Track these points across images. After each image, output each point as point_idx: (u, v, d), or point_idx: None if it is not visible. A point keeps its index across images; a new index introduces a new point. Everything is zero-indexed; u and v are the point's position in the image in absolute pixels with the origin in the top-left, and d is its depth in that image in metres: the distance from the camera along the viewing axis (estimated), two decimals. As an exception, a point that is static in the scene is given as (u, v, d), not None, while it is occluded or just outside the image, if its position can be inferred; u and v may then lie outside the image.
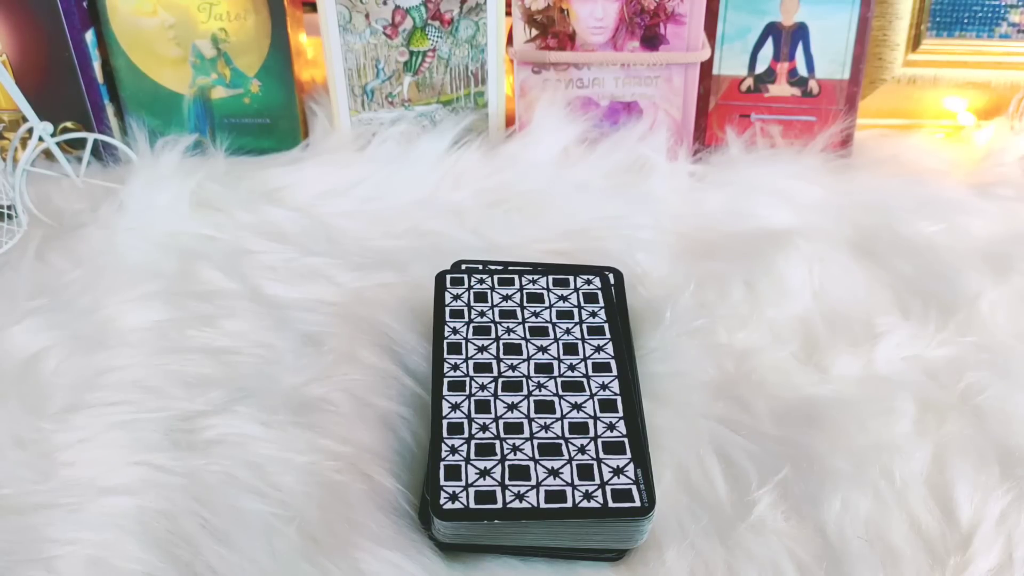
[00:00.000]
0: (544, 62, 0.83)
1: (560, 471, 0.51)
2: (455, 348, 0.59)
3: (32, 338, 0.63)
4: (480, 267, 0.67)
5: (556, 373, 0.58)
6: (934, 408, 0.59)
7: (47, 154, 0.78)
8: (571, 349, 0.59)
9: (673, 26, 0.81)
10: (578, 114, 0.84)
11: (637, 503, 0.50)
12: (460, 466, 0.52)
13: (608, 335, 0.61)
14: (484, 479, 0.51)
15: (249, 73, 0.83)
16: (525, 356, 0.59)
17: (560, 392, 0.56)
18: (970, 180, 0.83)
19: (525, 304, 0.63)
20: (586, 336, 0.61)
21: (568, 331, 0.61)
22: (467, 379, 0.57)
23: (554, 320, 0.62)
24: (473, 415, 0.55)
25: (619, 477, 0.51)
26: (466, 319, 0.61)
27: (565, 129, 0.83)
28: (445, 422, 0.54)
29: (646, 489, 0.51)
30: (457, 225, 0.76)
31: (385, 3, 0.80)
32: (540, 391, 0.56)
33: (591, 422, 0.54)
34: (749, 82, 0.85)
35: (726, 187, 0.80)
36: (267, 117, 0.85)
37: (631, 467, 0.52)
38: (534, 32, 0.82)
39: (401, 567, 0.50)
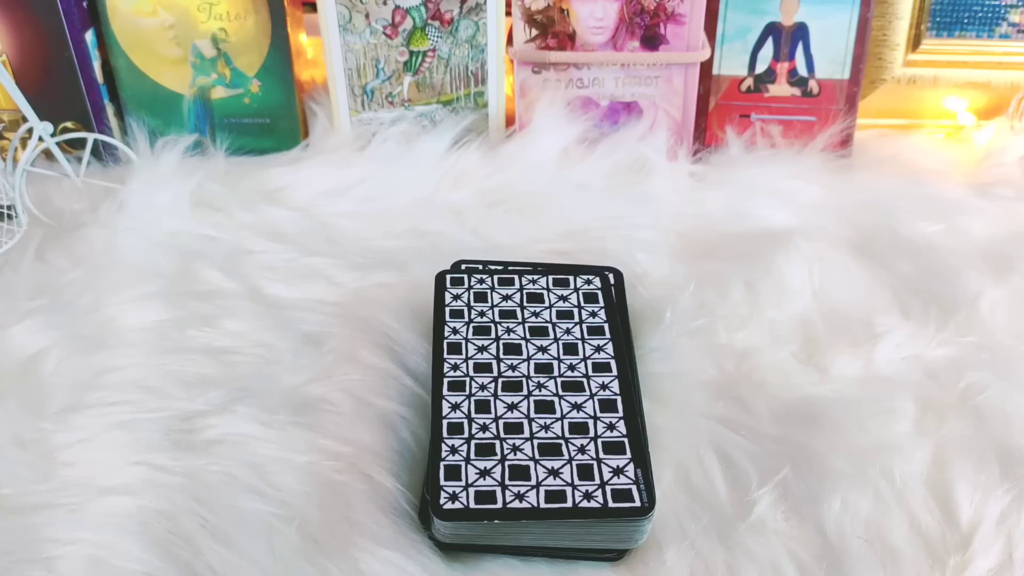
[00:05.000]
0: (544, 62, 0.83)
1: (560, 471, 0.51)
2: (455, 348, 0.59)
3: (32, 338, 0.63)
4: (480, 267, 0.67)
5: (556, 373, 0.58)
6: (934, 408, 0.59)
7: (47, 154, 0.78)
8: (571, 349, 0.59)
9: (673, 26, 0.81)
10: (578, 114, 0.84)
11: (637, 503, 0.50)
12: (460, 466, 0.52)
13: (608, 335, 0.61)
14: (484, 479, 0.51)
15: (249, 73, 0.83)
16: (525, 356, 0.59)
17: (560, 392, 0.56)
18: (970, 180, 0.83)
19: (525, 304, 0.63)
20: (586, 336, 0.61)
21: (568, 331, 0.61)
22: (467, 379, 0.57)
23: (554, 320, 0.62)
24: (473, 415, 0.55)
25: (619, 477, 0.51)
26: (466, 319, 0.61)
27: (565, 129, 0.83)
28: (445, 422, 0.54)
29: (646, 489, 0.51)
30: (457, 225, 0.76)
31: (385, 3, 0.80)
32: (540, 391, 0.56)
33: (591, 422, 0.54)
34: (749, 82, 0.85)
35: (726, 187, 0.80)
36: (267, 117, 0.85)
37: (631, 467, 0.52)
38: (534, 32, 0.82)
39: (401, 567, 0.50)
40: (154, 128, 0.83)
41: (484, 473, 0.51)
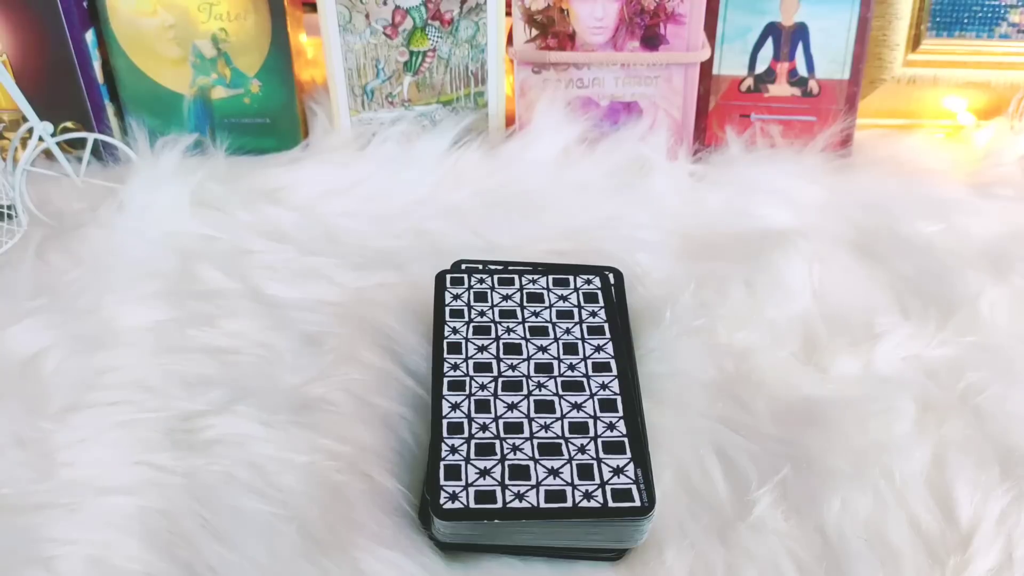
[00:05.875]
0: (544, 62, 0.83)
1: (560, 471, 0.51)
2: (455, 348, 0.59)
3: (32, 338, 0.63)
4: (480, 267, 0.67)
5: (556, 373, 0.58)
6: (934, 408, 0.60)
7: (47, 154, 0.78)
8: (571, 349, 0.59)
9: (673, 26, 0.81)
10: (578, 114, 0.84)
11: (637, 503, 0.50)
12: (460, 466, 0.52)
13: (608, 335, 0.61)
14: (484, 479, 0.51)
15: (249, 73, 0.83)
16: (525, 356, 0.59)
17: (560, 392, 0.56)
18: (970, 180, 0.83)
19: (525, 304, 0.63)
20: (586, 336, 0.61)
21: (568, 331, 0.61)
22: (467, 379, 0.57)
23: (554, 320, 0.62)
24: (473, 415, 0.55)
25: (619, 477, 0.51)
26: (466, 319, 0.61)
27: (565, 129, 0.83)
28: (445, 422, 0.54)
29: (646, 489, 0.51)
30: (457, 225, 0.76)
31: (385, 3, 0.80)
32: (540, 391, 0.56)
33: (591, 422, 0.54)
34: (749, 82, 0.85)
35: (726, 187, 0.80)
36: (267, 117, 0.85)
37: (631, 467, 0.52)
38: (534, 32, 0.82)
39: (401, 567, 0.50)
40: (154, 128, 0.83)
41: (484, 473, 0.51)
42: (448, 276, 0.65)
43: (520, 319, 0.62)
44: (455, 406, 0.55)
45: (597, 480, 0.51)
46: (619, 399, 0.56)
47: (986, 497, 0.54)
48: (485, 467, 0.52)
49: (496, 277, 0.65)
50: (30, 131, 0.76)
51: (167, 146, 0.80)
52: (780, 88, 0.84)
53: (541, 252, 0.73)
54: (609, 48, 0.82)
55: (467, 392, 0.56)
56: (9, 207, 0.75)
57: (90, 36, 0.80)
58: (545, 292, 0.64)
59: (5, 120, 0.82)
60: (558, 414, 0.55)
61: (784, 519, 0.53)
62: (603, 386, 0.57)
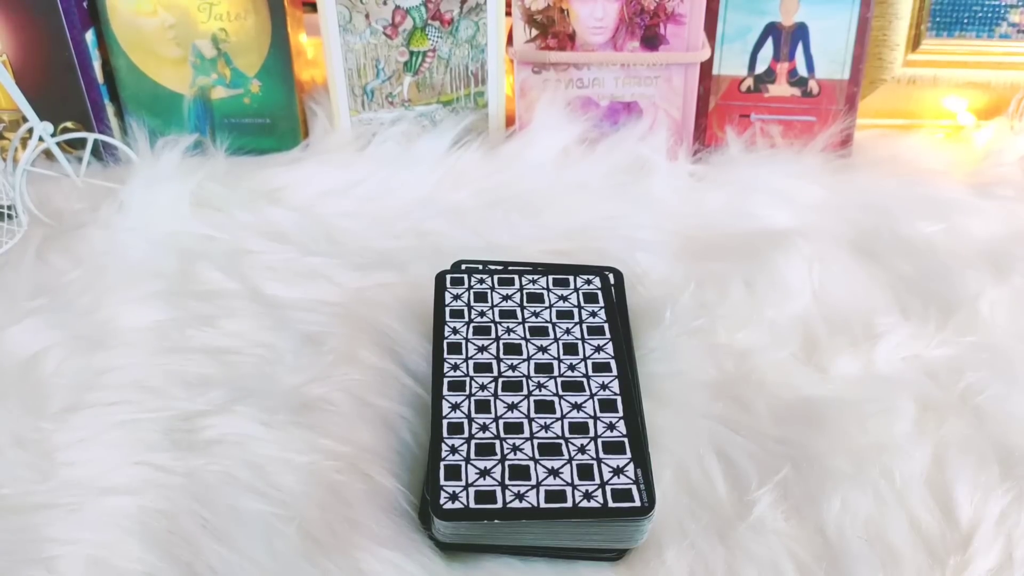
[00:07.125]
0: (544, 62, 0.83)
1: (560, 471, 0.51)
2: (455, 348, 0.59)
3: (32, 338, 0.63)
4: (480, 267, 0.67)
5: (556, 373, 0.58)
6: (934, 408, 0.60)
7: (47, 154, 0.78)
8: (571, 349, 0.59)
9: (673, 26, 0.81)
10: (578, 114, 0.84)
11: (637, 503, 0.50)
12: (460, 466, 0.52)
13: (608, 335, 0.61)
14: (484, 479, 0.51)
15: (249, 73, 0.83)
16: (525, 356, 0.59)
17: (560, 392, 0.56)
18: (970, 180, 0.83)
19: (525, 304, 0.63)
20: (586, 336, 0.61)
21: (568, 331, 0.61)
22: (467, 379, 0.57)
23: (554, 320, 0.62)
24: (473, 415, 0.55)
25: (619, 477, 0.51)
26: (466, 319, 0.61)
27: (565, 129, 0.83)
28: (445, 422, 0.54)
29: (646, 489, 0.51)
30: (457, 225, 0.76)
31: (385, 3, 0.80)
32: (540, 391, 0.56)
33: (591, 422, 0.54)
34: (749, 82, 0.85)
35: (726, 187, 0.80)
36: (267, 117, 0.85)
37: (631, 467, 0.52)
38: (534, 32, 0.82)
39: (401, 567, 0.50)
40: (154, 128, 0.83)
41: (484, 473, 0.51)
42: (448, 276, 0.65)
43: (520, 319, 0.62)
44: (455, 406, 0.55)
45: (597, 480, 0.51)
46: (619, 399, 0.56)
47: (986, 497, 0.54)
48: (485, 467, 0.52)
49: (496, 277, 0.65)
50: (30, 131, 0.76)
51: (167, 146, 0.80)
52: (780, 88, 0.84)
53: (541, 252, 0.73)
54: (609, 48, 0.82)
55: (467, 392, 0.56)
56: (9, 207, 0.75)
57: (90, 36, 0.80)
58: (545, 292, 0.64)
59: (5, 120, 0.83)
60: (558, 414, 0.55)
61: (784, 519, 0.53)
62: (603, 386, 0.57)
